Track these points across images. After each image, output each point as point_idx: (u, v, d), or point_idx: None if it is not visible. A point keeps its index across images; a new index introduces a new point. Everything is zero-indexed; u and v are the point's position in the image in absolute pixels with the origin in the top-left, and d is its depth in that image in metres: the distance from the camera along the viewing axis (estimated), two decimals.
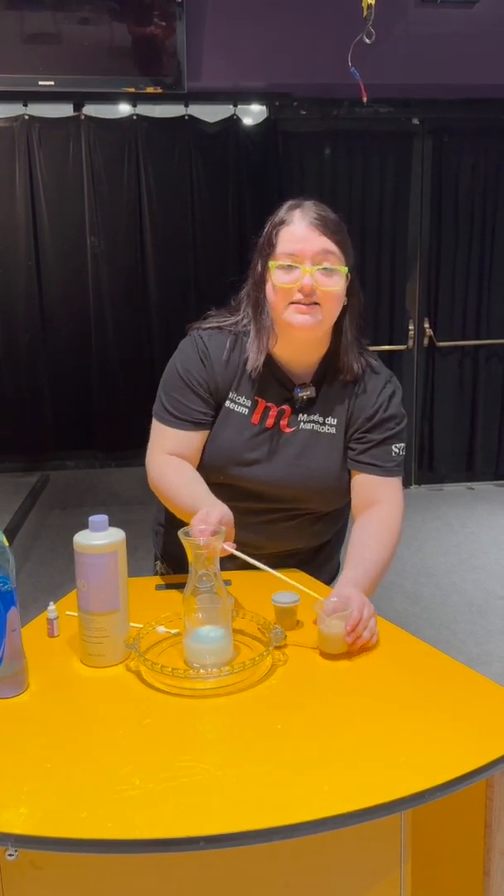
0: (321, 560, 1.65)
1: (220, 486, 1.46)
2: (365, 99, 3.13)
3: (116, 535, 1.21)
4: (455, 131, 4.84)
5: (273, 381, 1.49)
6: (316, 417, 1.50)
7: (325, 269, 1.39)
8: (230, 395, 1.49)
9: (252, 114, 4.71)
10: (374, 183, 4.86)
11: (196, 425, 1.48)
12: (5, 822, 0.85)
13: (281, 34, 4.33)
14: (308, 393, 1.49)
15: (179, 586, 1.43)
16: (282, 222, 1.42)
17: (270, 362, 1.48)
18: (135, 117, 4.56)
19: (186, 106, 4.56)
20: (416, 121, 4.83)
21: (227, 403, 1.49)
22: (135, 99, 4.49)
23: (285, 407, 1.49)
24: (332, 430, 1.50)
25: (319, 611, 1.23)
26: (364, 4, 2.75)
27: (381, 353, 4.98)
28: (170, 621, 1.29)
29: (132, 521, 2.02)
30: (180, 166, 4.63)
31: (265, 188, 4.69)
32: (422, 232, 5.01)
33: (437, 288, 5.04)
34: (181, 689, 1.12)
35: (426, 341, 5.10)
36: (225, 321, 1.52)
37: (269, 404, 1.48)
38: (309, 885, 1.03)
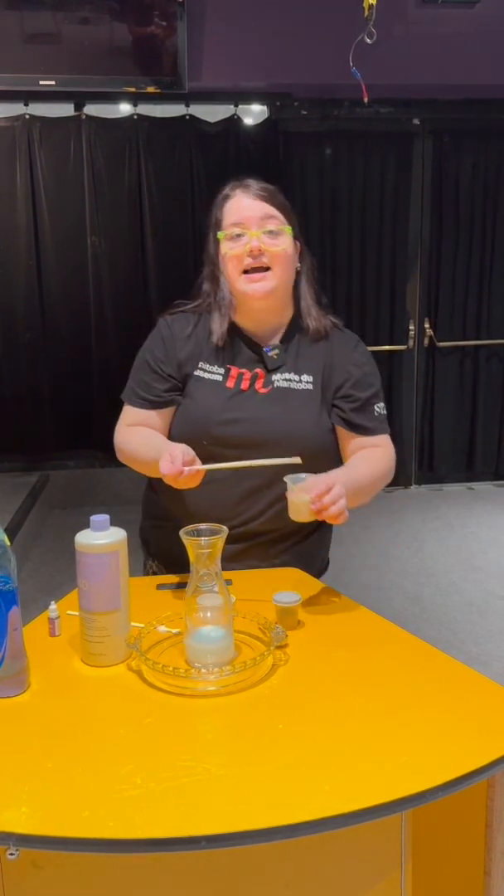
0: (310, 548, 1.64)
1: (203, 458, 1.48)
2: (366, 99, 3.12)
3: (118, 535, 1.21)
4: (455, 131, 4.84)
5: (242, 348, 1.55)
6: (290, 375, 1.55)
7: (269, 231, 1.48)
8: (200, 366, 1.54)
9: (253, 114, 4.71)
10: (374, 183, 4.86)
11: (156, 405, 1.55)
12: (7, 822, 0.85)
13: (282, 34, 4.33)
14: (277, 351, 1.54)
15: (180, 586, 1.43)
16: (225, 198, 1.53)
17: (237, 332, 1.55)
18: (135, 117, 4.56)
19: (187, 106, 4.56)
20: (416, 121, 4.83)
21: (198, 373, 1.54)
22: (135, 99, 4.49)
23: (258, 371, 1.54)
24: (309, 387, 1.54)
25: (288, 480, 1.31)
26: (365, 4, 2.75)
27: (381, 352, 5.04)
28: (171, 621, 1.29)
29: (132, 521, 2.00)
30: (181, 166, 4.63)
31: None
32: (422, 232, 5.01)
33: (437, 288, 5.04)
34: (182, 688, 1.12)
35: (426, 341, 5.10)
36: (189, 304, 1.60)
37: (242, 370, 1.53)
38: (309, 885, 1.03)
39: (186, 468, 1.32)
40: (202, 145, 4.63)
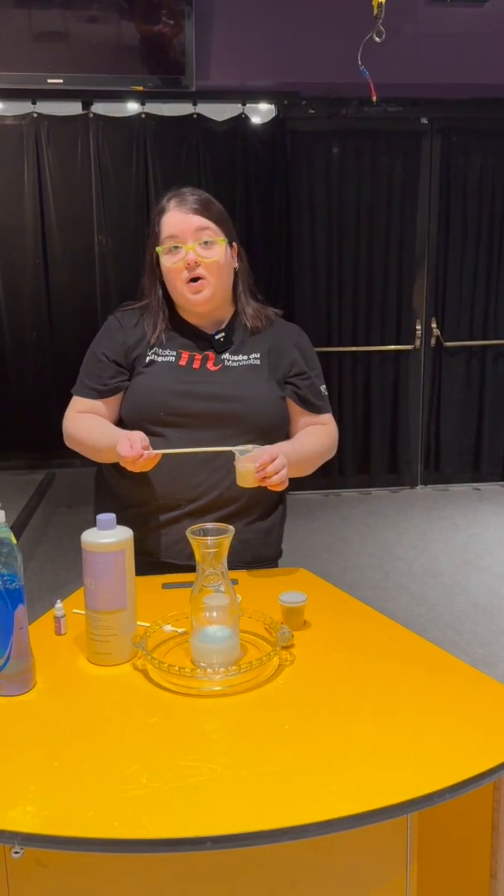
0: (266, 524, 1.67)
1: (163, 435, 1.57)
2: (375, 98, 3.12)
3: (124, 534, 1.21)
4: (463, 131, 4.83)
5: (191, 336, 1.64)
6: (238, 357, 1.64)
7: (204, 243, 1.56)
8: (151, 351, 1.62)
9: (260, 112, 4.70)
10: (382, 182, 4.85)
11: (103, 393, 1.63)
12: (12, 821, 0.85)
13: (290, 33, 4.32)
14: (223, 335, 1.64)
15: (186, 585, 1.43)
16: (161, 211, 1.60)
17: (185, 325, 1.64)
18: (143, 115, 4.56)
19: (195, 104, 4.56)
20: (424, 120, 4.82)
21: (150, 356, 1.62)
22: (143, 97, 4.49)
23: (208, 353, 1.63)
24: (257, 362, 1.64)
25: (236, 451, 1.46)
26: (375, 3, 2.74)
27: (387, 352, 5.04)
28: (176, 620, 1.29)
29: None
30: (188, 165, 4.63)
31: (273, 187, 4.68)
32: (429, 231, 5.00)
33: (444, 287, 5.03)
34: (188, 688, 1.12)
35: (433, 341, 5.09)
36: (135, 304, 1.68)
37: (193, 353, 1.62)
38: (315, 886, 1.03)
39: (145, 452, 1.43)
40: (209, 144, 4.62)
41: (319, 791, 0.90)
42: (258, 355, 1.64)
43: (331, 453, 1.69)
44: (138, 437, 1.46)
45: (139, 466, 1.45)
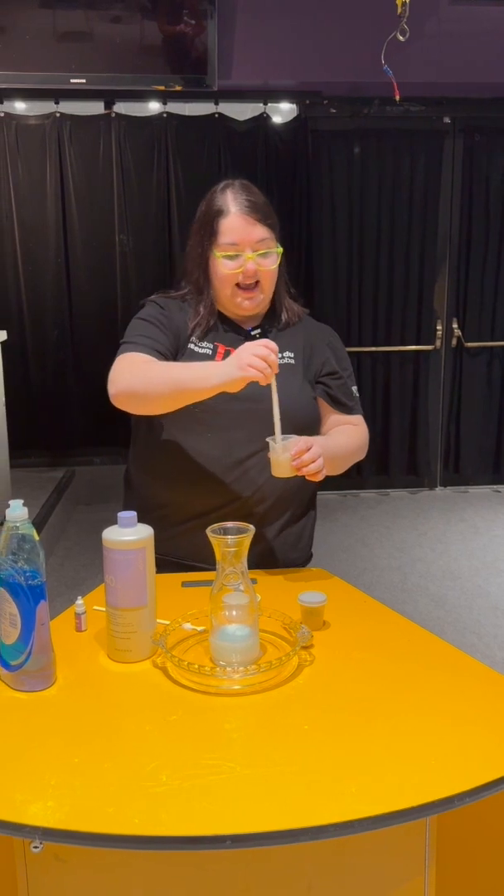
0: (296, 529, 1.66)
1: (195, 432, 1.55)
2: (398, 97, 3.10)
3: (144, 532, 1.22)
4: (487, 130, 4.79)
5: (228, 331, 1.63)
6: None
7: (263, 253, 1.56)
8: (192, 340, 1.60)
9: (282, 112, 4.70)
10: (403, 182, 4.83)
11: (159, 353, 1.54)
12: (33, 815, 0.86)
13: (312, 32, 4.32)
14: (259, 332, 1.64)
15: (206, 583, 1.43)
16: (220, 212, 1.58)
17: (223, 318, 1.63)
18: (165, 115, 4.58)
19: (216, 104, 4.56)
20: (447, 119, 4.79)
21: (191, 346, 1.60)
22: (165, 97, 4.50)
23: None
24: (291, 361, 1.64)
25: (270, 441, 1.42)
26: (399, 2, 2.73)
27: (407, 352, 5.01)
28: (196, 618, 1.29)
29: None
30: (209, 164, 4.63)
31: (294, 186, 4.68)
32: (451, 231, 4.97)
33: (465, 288, 5.00)
34: (207, 686, 1.12)
35: (454, 341, 5.06)
36: (171, 293, 1.68)
37: (228, 348, 1.60)
38: (332, 887, 1.03)
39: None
40: (231, 143, 4.62)
41: (339, 792, 0.89)
42: (292, 354, 1.64)
43: (361, 454, 1.68)
44: (262, 342, 1.37)
45: (265, 377, 1.34)
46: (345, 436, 1.65)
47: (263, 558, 1.59)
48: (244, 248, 1.55)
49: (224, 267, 1.56)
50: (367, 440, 1.70)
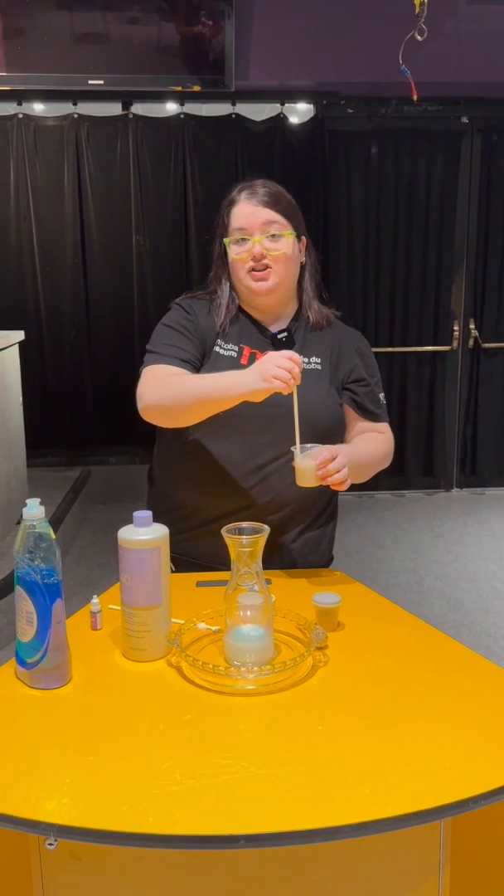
0: (316, 533, 1.65)
1: (218, 436, 1.54)
2: (415, 97, 3.09)
3: (160, 531, 1.22)
4: None
5: (253, 331, 1.63)
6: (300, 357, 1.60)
7: (271, 236, 1.56)
8: (217, 342, 1.60)
9: (299, 112, 4.70)
10: (421, 182, 4.81)
11: (185, 362, 1.55)
12: (48, 813, 0.86)
13: (329, 32, 4.31)
14: (285, 334, 1.62)
15: (221, 583, 1.43)
16: (231, 203, 1.60)
17: (248, 318, 1.63)
18: (182, 116, 4.59)
19: (233, 104, 4.57)
20: (465, 119, 4.77)
21: (216, 349, 1.60)
22: (182, 97, 4.51)
23: (269, 351, 1.57)
24: (318, 367, 1.62)
25: (295, 449, 1.42)
26: (417, 2, 2.72)
27: (424, 353, 4.99)
28: (210, 618, 1.29)
29: None
30: (226, 165, 4.64)
31: (311, 187, 4.68)
32: (469, 231, 4.95)
33: (483, 288, 4.97)
34: (221, 686, 1.12)
35: (471, 342, 5.03)
36: (198, 293, 1.68)
37: (254, 350, 1.59)
38: (345, 889, 1.02)
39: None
40: (248, 144, 4.63)
41: (353, 793, 0.89)
42: (319, 360, 1.62)
43: (386, 462, 1.66)
44: (286, 354, 1.37)
45: (289, 387, 1.34)
46: (371, 443, 1.63)
47: (283, 562, 1.59)
48: (252, 231, 1.55)
49: (232, 252, 1.57)
50: (392, 448, 1.68)
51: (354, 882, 1.02)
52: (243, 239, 1.56)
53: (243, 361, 1.58)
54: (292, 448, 1.44)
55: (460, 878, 1.08)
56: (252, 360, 1.58)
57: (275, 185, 1.62)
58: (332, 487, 1.44)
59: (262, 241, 1.55)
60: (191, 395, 1.46)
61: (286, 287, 1.61)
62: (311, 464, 1.41)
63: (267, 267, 1.56)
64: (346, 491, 1.49)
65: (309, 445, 1.44)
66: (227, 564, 1.21)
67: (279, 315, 1.64)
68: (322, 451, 1.42)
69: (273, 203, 1.58)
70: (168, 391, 1.49)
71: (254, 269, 1.56)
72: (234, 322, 1.62)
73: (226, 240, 1.59)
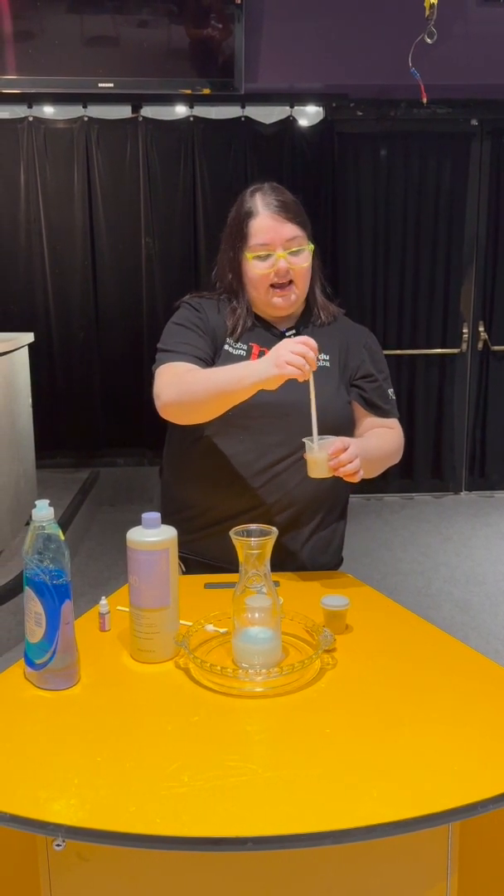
0: (326, 534, 1.65)
1: (228, 435, 1.54)
2: (425, 100, 3.09)
3: (168, 533, 1.22)
4: None
5: (262, 331, 1.63)
6: None
7: (294, 251, 1.56)
8: (227, 341, 1.60)
9: (308, 115, 4.70)
10: (430, 184, 4.80)
11: (199, 359, 1.55)
12: (56, 813, 0.87)
13: (338, 35, 4.31)
14: (294, 332, 1.63)
15: (229, 585, 1.43)
16: (250, 214, 1.58)
17: (258, 319, 1.63)
18: (191, 118, 4.60)
19: (243, 107, 4.57)
20: (474, 122, 4.76)
21: (226, 347, 1.60)
22: (192, 100, 4.52)
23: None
24: (326, 364, 1.62)
25: (307, 441, 1.41)
26: (427, 4, 2.72)
27: (433, 355, 4.98)
28: (218, 620, 1.29)
29: None
30: (236, 167, 4.65)
31: (320, 189, 4.68)
32: (478, 234, 4.93)
33: (492, 291, 4.96)
34: (230, 688, 1.12)
35: (480, 345, 5.02)
36: (205, 294, 1.68)
37: (263, 349, 1.59)
38: (351, 892, 1.02)
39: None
40: (257, 147, 4.63)
41: (361, 796, 0.89)
42: (327, 357, 1.63)
43: (397, 457, 1.66)
44: (300, 339, 1.36)
45: (304, 374, 1.33)
46: (380, 438, 1.64)
47: (293, 563, 1.59)
48: (275, 247, 1.55)
49: (256, 268, 1.57)
50: (402, 444, 1.68)
51: (362, 885, 1.02)
52: (267, 255, 1.56)
53: (252, 359, 1.58)
54: (304, 439, 1.43)
55: (468, 883, 1.07)
56: (261, 356, 1.57)
57: (283, 189, 1.62)
58: (345, 479, 1.43)
59: (286, 256, 1.55)
60: (207, 389, 1.45)
61: (302, 297, 1.63)
62: (324, 454, 1.40)
63: (290, 282, 1.57)
64: (357, 483, 1.48)
65: (320, 437, 1.43)
66: (237, 564, 1.21)
67: (289, 315, 1.65)
68: (334, 441, 1.42)
69: (293, 216, 1.58)
70: (185, 387, 1.48)
71: (276, 286, 1.56)
72: (247, 332, 1.62)
73: (248, 254, 1.58)
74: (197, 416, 1.52)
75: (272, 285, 1.57)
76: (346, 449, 1.41)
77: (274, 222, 1.56)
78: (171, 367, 1.54)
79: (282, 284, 1.57)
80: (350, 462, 1.40)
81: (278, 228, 1.56)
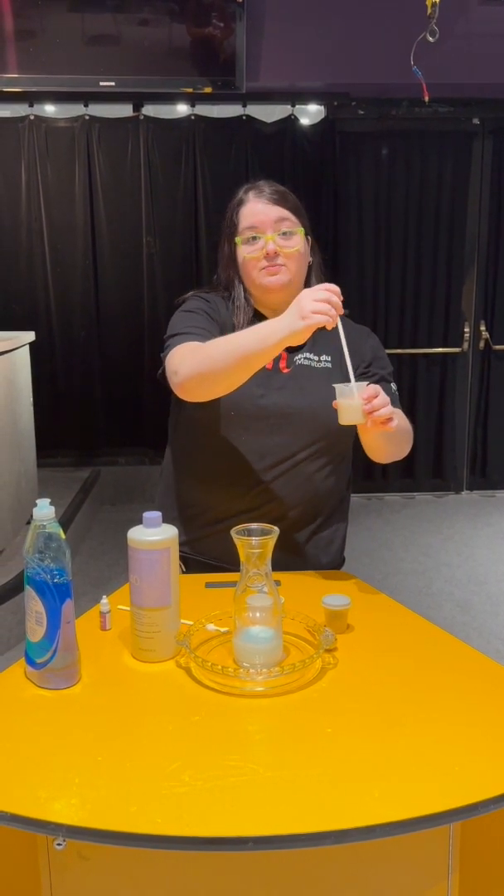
0: (327, 534, 1.64)
1: (229, 436, 1.53)
2: (427, 98, 3.08)
3: (169, 532, 1.22)
4: None
5: None
6: (309, 355, 1.61)
7: (283, 233, 1.54)
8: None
9: (309, 114, 4.70)
10: (431, 183, 4.80)
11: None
12: (56, 812, 0.86)
13: (340, 33, 4.31)
14: None
15: (230, 585, 1.43)
16: (240, 203, 1.58)
17: (259, 318, 1.59)
18: (193, 117, 4.60)
19: (244, 106, 4.57)
20: (476, 120, 4.76)
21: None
22: (193, 99, 4.52)
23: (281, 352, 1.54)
24: (328, 365, 1.61)
25: (337, 387, 1.36)
26: (429, 3, 2.71)
27: (434, 355, 4.98)
28: (219, 619, 1.29)
29: None
30: (237, 166, 4.65)
31: (321, 188, 4.68)
32: (479, 233, 4.93)
33: (494, 290, 4.96)
34: (230, 687, 1.12)
35: (482, 344, 5.02)
36: (212, 290, 1.65)
37: None
38: (352, 892, 1.02)
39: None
40: (258, 145, 4.63)
41: (362, 796, 0.89)
42: (329, 358, 1.61)
43: (410, 439, 1.59)
44: (323, 286, 1.31)
45: (330, 320, 1.28)
46: (396, 416, 1.58)
47: (294, 563, 1.59)
48: (264, 229, 1.54)
49: (244, 251, 1.55)
50: (411, 434, 1.61)
51: (363, 885, 1.02)
52: (255, 237, 1.55)
53: None
54: (336, 385, 1.37)
55: (469, 883, 1.07)
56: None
57: (279, 184, 1.62)
58: (378, 427, 1.36)
59: (274, 238, 1.53)
60: (229, 354, 1.37)
61: (297, 285, 1.59)
62: (357, 400, 1.33)
63: (280, 265, 1.54)
64: (350, 489, 1.43)
65: (350, 384, 1.37)
66: (237, 564, 1.21)
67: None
68: (363, 385, 1.35)
69: (282, 200, 1.57)
70: (205, 358, 1.40)
71: (266, 267, 1.54)
72: (249, 323, 1.60)
73: (237, 239, 1.57)
74: (220, 387, 1.43)
75: (263, 269, 1.54)
76: (378, 394, 1.34)
77: (262, 205, 1.55)
78: (184, 346, 1.48)
79: (272, 266, 1.53)
80: (384, 406, 1.33)
81: (266, 211, 1.54)
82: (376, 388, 1.36)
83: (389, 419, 1.35)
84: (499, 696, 1.11)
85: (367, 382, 1.38)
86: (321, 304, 1.27)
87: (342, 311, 1.31)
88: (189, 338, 1.50)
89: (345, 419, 1.37)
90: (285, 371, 1.59)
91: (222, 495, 1.57)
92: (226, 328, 1.58)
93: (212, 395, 1.47)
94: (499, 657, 2.92)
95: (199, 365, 1.41)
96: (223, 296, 1.64)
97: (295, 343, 1.32)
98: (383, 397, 1.34)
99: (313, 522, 1.61)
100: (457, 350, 5.00)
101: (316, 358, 1.61)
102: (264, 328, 1.36)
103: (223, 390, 1.45)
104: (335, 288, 1.31)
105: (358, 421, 1.36)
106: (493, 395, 5.07)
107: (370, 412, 1.33)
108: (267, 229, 1.54)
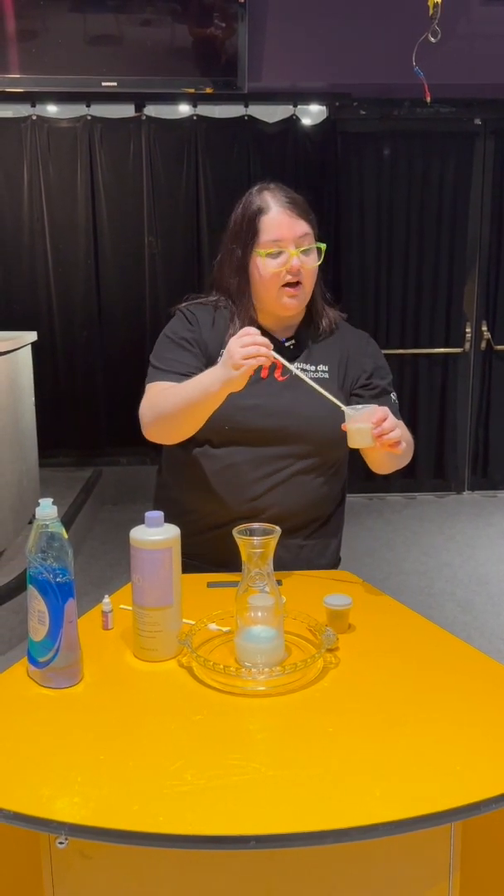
0: (323, 539, 1.65)
1: (225, 447, 1.53)
2: (429, 99, 3.08)
3: (171, 532, 1.22)
4: None
5: None
6: (306, 365, 1.60)
7: (305, 250, 1.53)
8: (222, 351, 1.54)
9: (311, 114, 4.70)
10: (433, 184, 4.80)
11: (184, 376, 1.52)
12: (58, 811, 0.87)
13: (342, 34, 4.31)
14: (293, 342, 1.61)
15: (232, 584, 1.44)
16: (261, 210, 1.54)
17: (255, 326, 1.57)
18: (195, 117, 4.60)
19: (246, 106, 4.57)
20: (478, 121, 4.76)
21: (220, 357, 1.54)
22: (195, 99, 4.53)
23: (276, 362, 1.54)
24: (325, 375, 1.60)
25: (347, 410, 1.39)
26: (430, 3, 2.71)
27: (435, 355, 4.98)
28: (221, 619, 1.29)
29: None
30: (239, 166, 4.65)
31: (323, 188, 4.67)
32: (481, 233, 4.93)
33: (495, 290, 4.95)
34: (232, 687, 1.12)
35: (483, 344, 5.02)
36: (203, 299, 1.64)
37: None
38: (354, 891, 1.02)
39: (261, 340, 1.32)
40: (260, 146, 4.64)
41: (363, 795, 0.89)
42: (326, 368, 1.60)
43: (410, 454, 1.59)
44: (252, 330, 1.36)
45: (250, 364, 1.32)
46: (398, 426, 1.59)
47: (291, 565, 1.58)
48: (288, 244, 1.52)
49: (268, 266, 1.52)
50: (412, 446, 1.61)
51: (364, 884, 1.02)
52: (280, 252, 1.52)
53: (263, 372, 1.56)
54: (344, 408, 1.41)
55: (470, 883, 1.07)
56: (258, 369, 1.52)
57: (294, 191, 1.59)
58: (387, 449, 1.39)
59: (298, 254, 1.52)
60: (177, 405, 1.46)
61: (307, 301, 1.60)
62: (367, 424, 1.36)
63: (298, 283, 1.53)
64: (345, 496, 1.44)
65: (358, 406, 1.41)
66: (235, 568, 1.21)
67: (289, 324, 1.62)
68: (373, 410, 1.38)
69: (304, 213, 1.55)
70: (159, 408, 1.50)
71: (287, 285, 1.53)
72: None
73: (260, 251, 1.53)
74: (178, 434, 1.52)
75: (284, 284, 1.53)
76: (386, 417, 1.37)
77: (287, 218, 1.53)
78: (154, 388, 1.55)
79: (293, 284, 1.53)
80: (392, 430, 1.36)
81: (291, 224, 1.52)
82: (385, 411, 1.38)
83: (398, 442, 1.38)
84: (500, 695, 1.11)
85: (362, 406, 1.42)
86: (248, 348, 1.32)
87: (271, 346, 1.34)
88: (161, 375, 1.55)
89: (354, 443, 1.40)
90: (281, 379, 1.57)
91: (217, 503, 1.57)
92: (210, 343, 1.57)
93: (176, 440, 1.53)
94: (500, 657, 2.91)
95: (158, 414, 1.50)
96: (215, 304, 1.61)
97: (236, 389, 1.37)
98: (392, 420, 1.37)
99: (308, 531, 1.61)
100: (458, 350, 5.00)
101: (312, 367, 1.60)
102: (206, 378, 1.41)
103: (183, 435, 1.51)
104: (252, 330, 1.36)
105: (367, 445, 1.39)
106: (494, 395, 5.07)
107: (379, 436, 1.36)
108: (290, 244, 1.52)
